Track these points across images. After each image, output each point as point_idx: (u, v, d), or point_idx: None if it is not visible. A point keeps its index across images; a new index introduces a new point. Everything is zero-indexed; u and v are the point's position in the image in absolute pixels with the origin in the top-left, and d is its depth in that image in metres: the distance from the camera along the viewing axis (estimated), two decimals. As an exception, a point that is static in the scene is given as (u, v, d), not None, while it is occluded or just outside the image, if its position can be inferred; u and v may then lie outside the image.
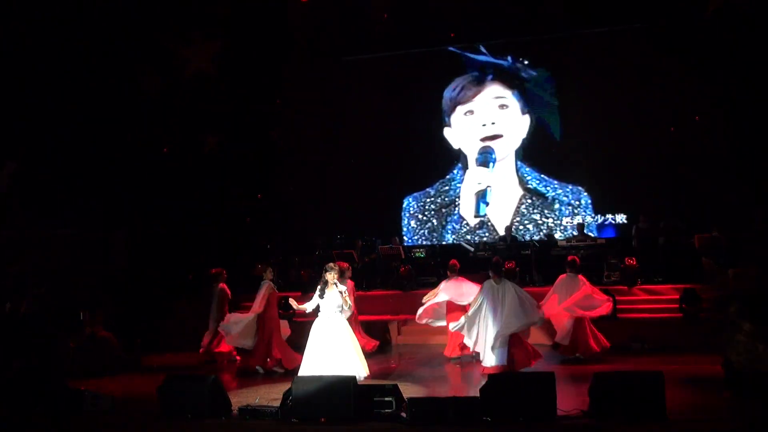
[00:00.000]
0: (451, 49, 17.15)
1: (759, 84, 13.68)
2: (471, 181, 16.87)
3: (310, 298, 8.56)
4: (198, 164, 15.79)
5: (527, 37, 16.47)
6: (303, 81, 17.63)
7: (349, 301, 8.57)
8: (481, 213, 16.63)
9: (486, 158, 16.62)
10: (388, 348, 12.14)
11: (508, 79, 16.78)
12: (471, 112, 17.01)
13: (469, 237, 16.63)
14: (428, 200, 17.37)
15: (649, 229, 14.03)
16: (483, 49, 16.88)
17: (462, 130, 17.09)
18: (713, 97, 14.80)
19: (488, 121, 16.79)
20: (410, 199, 17.48)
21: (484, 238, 16.27)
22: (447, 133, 17.20)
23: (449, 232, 16.97)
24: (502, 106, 16.80)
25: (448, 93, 17.27)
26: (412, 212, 17.48)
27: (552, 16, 15.73)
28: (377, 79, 17.44)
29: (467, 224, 16.85)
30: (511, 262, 12.25)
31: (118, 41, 14.43)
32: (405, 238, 17.06)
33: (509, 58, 16.69)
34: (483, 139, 16.73)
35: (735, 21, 13.32)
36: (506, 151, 16.69)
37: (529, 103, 16.63)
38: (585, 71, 16.19)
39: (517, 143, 16.68)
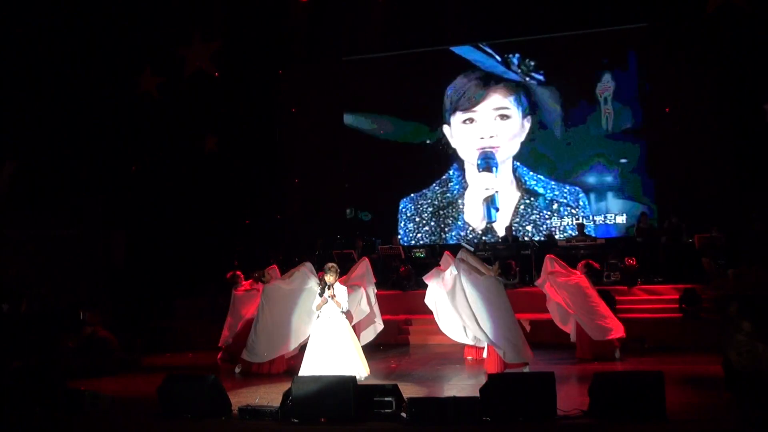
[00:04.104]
0: (454, 50, 17.14)
1: (759, 82, 13.68)
2: (476, 187, 16.77)
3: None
4: (198, 164, 15.79)
5: (530, 37, 16.45)
6: (302, 81, 17.64)
7: (344, 304, 8.56)
8: (493, 219, 16.54)
9: (488, 163, 16.56)
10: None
11: (511, 81, 16.75)
12: (471, 120, 16.93)
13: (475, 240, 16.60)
14: (425, 202, 17.35)
15: (651, 228, 14.04)
16: (488, 49, 16.86)
17: (460, 135, 17.05)
18: (713, 96, 14.81)
19: (487, 134, 16.68)
20: (407, 201, 17.47)
21: (491, 240, 16.28)
22: (445, 130, 17.18)
23: (453, 239, 16.83)
24: (503, 117, 16.73)
25: (449, 92, 17.19)
26: (408, 215, 17.45)
27: (553, 16, 15.75)
28: (377, 79, 17.44)
29: (473, 230, 16.80)
30: (512, 262, 12.31)
31: (117, 41, 14.43)
32: (400, 240, 16.98)
33: (515, 59, 16.64)
34: (481, 149, 16.75)
35: (734, 19, 13.31)
36: (504, 156, 16.69)
37: (530, 105, 16.60)
38: (585, 71, 16.19)
39: (516, 149, 16.67)
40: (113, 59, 14.47)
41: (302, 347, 9.35)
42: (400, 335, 12.58)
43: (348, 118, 17.86)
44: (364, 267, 10.66)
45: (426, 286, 10.25)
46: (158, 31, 14.70)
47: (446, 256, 10.12)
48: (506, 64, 16.78)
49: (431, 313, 10.82)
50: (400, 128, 17.43)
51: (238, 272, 11.49)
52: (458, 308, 9.34)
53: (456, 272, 9.28)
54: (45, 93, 13.74)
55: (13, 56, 13.20)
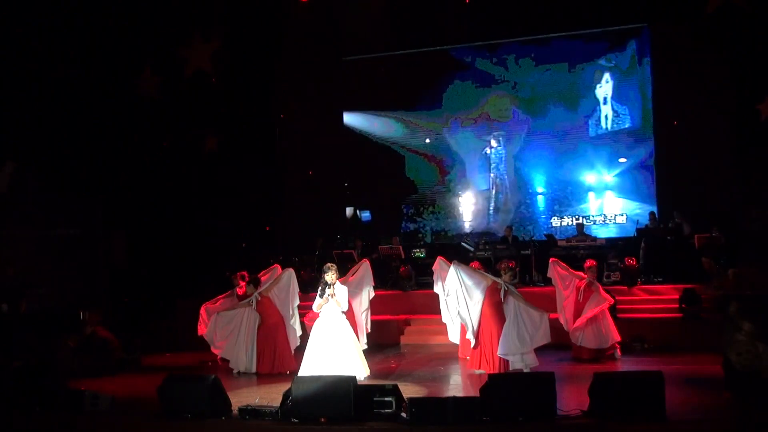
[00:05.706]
0: (454, 51, 17.13)
1: (759, 82, 13.68)
2: (477, 187, 16.83)
3: (311, 299, 8.58)
4: (198, 164, 15.79)
5: (529, 37, 16.46)
6: (302, 80, 17.65)
7: (344, 304, 8.56)
8: (493, 219, 16.57)
9: (488, 163, 16.61)
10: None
11: (511, 81, 16.73)
12: (473, 123, 16.97)
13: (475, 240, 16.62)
14: (427, 201, 17.35)
15: (657, 228, 14.04)
16: (487, 51, 16.86)
17: (461, 136, 17.08)
18: (713, 95, 14.82)
19: (488, 136, 16.76)
20: (408, 201, 17.47)
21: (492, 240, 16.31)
22: (445, 132, 17.19)
23: (454, 239, 16.86)
24: (503, 118, 16.76)
25: (450, 93, 17.22)
26: (410, 215, 17.46)
27: (552, 16, 15.76)
28: (377, 79, 17.45)
29: (474, 230, 16.79)
30: (512, 262, 12.25)
31: (118, 41, 14.43)
32: (401, 240, 16.97)
33: (514, 59, 16.63)
34: (482, 149, 16.74)
35: (734, 19, 13.31)
36: (505, 156, 16.71)
37: (531, 105, 16.60)
38: (585, 71, 16.20)
39: (517, 149, 16.68)
40: (113, 59, 14.46)
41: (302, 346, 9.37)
42: (400, 335, 12.58)
43: (347, 118, 17.87)
44: (364, 269, 10.71)
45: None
46: (158, 31, 14.69)
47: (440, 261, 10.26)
48: (505, 64, 16.79)
49: (431, 313, 10.84)
50: (400, 128, 17.44)
51: (233, 276, 11.53)
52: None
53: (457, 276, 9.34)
54: (45, 93, 13.73)
55: (13, 56, 13.19)
